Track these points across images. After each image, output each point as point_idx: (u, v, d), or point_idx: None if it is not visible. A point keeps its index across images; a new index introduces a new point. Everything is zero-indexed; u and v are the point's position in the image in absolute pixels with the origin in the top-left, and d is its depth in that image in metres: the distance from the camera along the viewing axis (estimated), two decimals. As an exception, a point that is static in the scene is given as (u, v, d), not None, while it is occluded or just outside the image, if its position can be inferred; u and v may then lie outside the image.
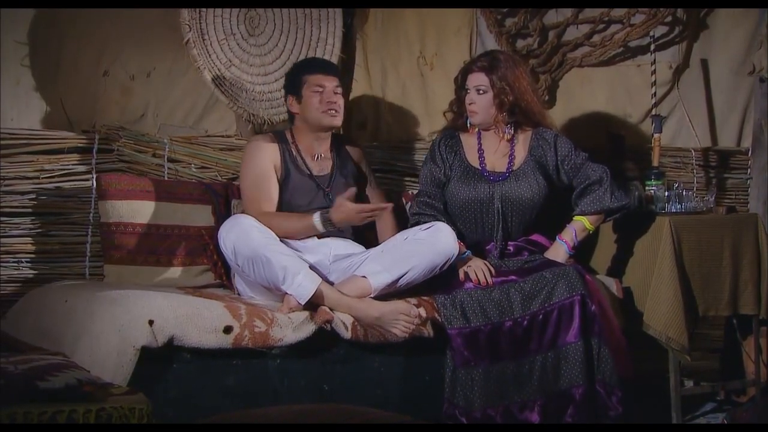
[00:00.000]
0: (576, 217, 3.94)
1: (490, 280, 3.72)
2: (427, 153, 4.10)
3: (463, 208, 3.96)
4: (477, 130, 4.04)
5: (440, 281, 3.74)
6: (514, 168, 3.97)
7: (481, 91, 3.93)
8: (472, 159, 4.01)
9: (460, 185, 3.96)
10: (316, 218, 3.68)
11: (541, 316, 3.62)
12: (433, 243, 3.68)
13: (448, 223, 3.80)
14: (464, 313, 3.63)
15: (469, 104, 3.95)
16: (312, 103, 3.84)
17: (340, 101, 3.88)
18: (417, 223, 3.87)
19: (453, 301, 3.65)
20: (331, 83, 3.85)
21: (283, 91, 4.01)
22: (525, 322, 3.62)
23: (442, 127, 4.20)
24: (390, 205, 3.81)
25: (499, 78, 3.90)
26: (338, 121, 3.89)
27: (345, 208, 3.63)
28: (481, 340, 3.60)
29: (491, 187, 3.93)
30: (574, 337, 3.58)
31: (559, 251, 3.88)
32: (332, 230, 3.71)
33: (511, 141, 4.01)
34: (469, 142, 4.05)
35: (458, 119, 4.07)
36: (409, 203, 4.16)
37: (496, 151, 4.01)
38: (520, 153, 4.00)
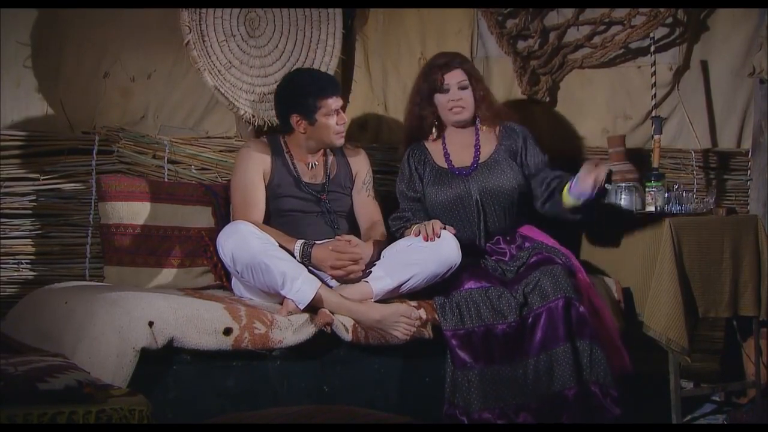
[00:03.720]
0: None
1: (438, 232, 3.70)
2: (399, 171, 4.14)
3: (444, 209, 3.98)
4: (441, 134, 4.08)
5: (440, 283, 3.74)
6: (485, 159, 4.01)
7: (462, 86, 3.97)
8: (441, 162, 4.06)
9: (435, 189, 4.00)
10: (297, 247, 3.66)
11: (530, 319, 3.62)
12: (436, 251, 3.68)
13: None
14: (460, 314, 3.64)
15: (457, 100, 3.98)
16: (327, 127, 3.81)
17: (345, 118, 3.92)
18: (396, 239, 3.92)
19: (450, 302, 3.66)
20: (340, 103, 3.85)
21: (279, 106, 3.92)
22: (517, 326, 3.62)
23: (405, 140, 4.22)
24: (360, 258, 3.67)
25: (472, 72, 4.02)
26: (343, 140, 3.92)
27: (329, 248, 3.63)
28: (475, 341, 3.61)
29: (466, 183, 3.95)
30: (562, 339, 3.57)
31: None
32: (307, 263, 3.66)
33: (476, 134, 4.04)
34: (434, 147, 4.10)
35: (419, 124, 4.09)
36: None
37: (460, 147, 4.05)
38: (487, 145, 4.05)
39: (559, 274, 3.64)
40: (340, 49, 4.43)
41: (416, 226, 3.82)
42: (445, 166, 4.04)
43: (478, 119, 4.07)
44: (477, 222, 3.95)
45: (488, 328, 3.62)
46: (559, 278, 3.63)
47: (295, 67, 4.29)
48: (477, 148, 4.03)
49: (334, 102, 3.80)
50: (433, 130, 4.08)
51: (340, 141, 3.87)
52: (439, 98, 4.02)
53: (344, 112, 3.94)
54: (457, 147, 4.06)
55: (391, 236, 3.98)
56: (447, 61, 4.03)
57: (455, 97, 3.99)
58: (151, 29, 4.19)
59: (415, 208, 4.04)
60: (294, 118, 3.82)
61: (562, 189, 3.85)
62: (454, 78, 3.98)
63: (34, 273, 3.95)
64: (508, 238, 3.96)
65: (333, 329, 3.47)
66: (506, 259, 3.91)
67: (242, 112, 4.19)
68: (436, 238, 3.69)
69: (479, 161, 4.01)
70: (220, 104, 4.22)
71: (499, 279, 3.77)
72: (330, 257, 3.63)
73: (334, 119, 3.81)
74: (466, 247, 3.85)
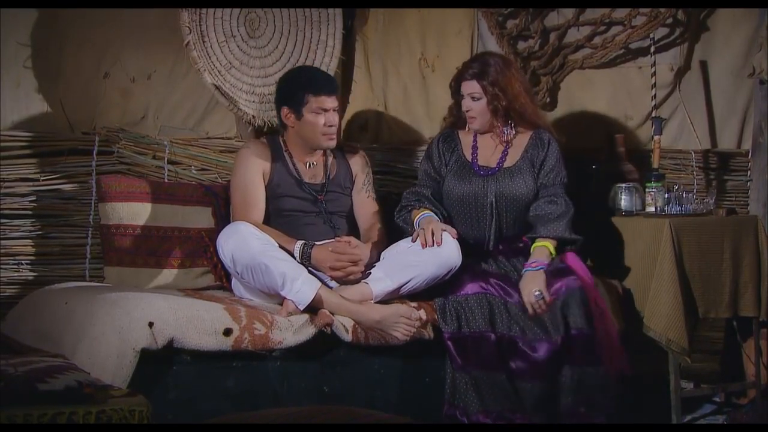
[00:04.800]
0: (542, 242, 3.88)
1: (438, 240, 3.69)
2: (425, 151, 4.11)
3: (458, 203, 3.96)
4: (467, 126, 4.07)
5: (441, 284, 3.74)
6: (509, 165, 3.97)
7: (475, 98, 3.94)
8: (468, 155, 4.03)
9: (455, 181, 3.97)
10: (297, 248, 3.67)
11: (521, 343, 3.64)
12: (437, 254, 3.68)
13: (432, 209, 3.86)
14: (458, 319, 3.64)
15: (467, 111, 3.96)
16: (314, 125, 3.80)
17: (337, 121, 3.85)
18: (403, 219, 3.91)
19: (450, 305, 3.66)
20: (333, 104, 3.80)
21: (275, 98, 3.93)
22: (511, 338, 3.63)
23: (442, 126, 4.20)
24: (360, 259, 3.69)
25: (491, 84, 3.90)
26: (335, 143, 3.87)
27: (329, 250, 3.65)
28: (471, 347, 3.61)
29: (485, 183, 3.94)
30: (542, 377, 3.59)
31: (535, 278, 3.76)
32: (307, 263, 3.67)
33: (508, 138, 4.01)
34: (466, 139, 4.06)
35: (458, 120, 4.08)
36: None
37: (490, 147, 4.02)
38: (515, 151, 4.01)
39: (571, 300, 3.65)
40: (340, 50, 4.43)
41: (421, 215, 3.81)
42: (470, 161, 4.01)
43: (507, 127, 4.01)
44: (488, 224, 3.93)
45: (482, 334, 3.62)
46: (569, 307, 3.63)
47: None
48: (505, 153, 4.01)
49: (324, 100, 3.78)
50: (467, 128, 4.07)
51: (327, 143, 3.84)
52: (462, 103, 4.00)
53: (339, 113, 3.89)
54: (487, 145, 4.03)
55: (400, 209, 3.96)
56: (465, 70, 3.96)
57: (466, 108, 3.97)
58: (151, 30, 4.19)
59: (434, 189, 4.00)
60: (284, 111, 3.84)
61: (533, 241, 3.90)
62: (466, 89, 3.94)
63: (34, 274, 3.95)
64: (512, 244, 3.95)
65: (333, 330, 3.47)
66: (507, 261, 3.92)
67: (242, 113, 4.19)
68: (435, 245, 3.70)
69: (503, 165, 3.99)
70: (220, 105, 4.22)
71: (500, 285, 3.76)
72: (329, 258, 3.63)
73: (321, 118, 3.79)
74: (472, 246, 3.85)
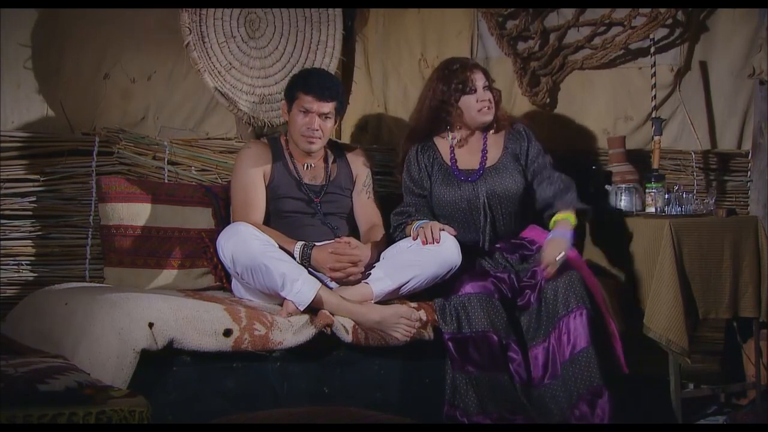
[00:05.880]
0: (563, 215, 3.86)
1: (437, 237, 3.69)
2: (405, 168, 4.06)
3: (450, 209, 3.96)
4: (449, 134, 4.05)
5: (440, 285, 3.74)
6: (492, 163, 3.98)
7: (487, 87, 3.95)
8: (448, 161, 4.03)
9: (444, 188, 3.97)
10: (297, 248, 3.67)
11: (520, 348, 3.66)
12: (437, 253, 3.68)
13: (424, 219, 3.85)
14: (458, 319, 3.64)
15: (485, 101, 3.94)
16: (296, 122, 3.81)
17: (326, 127, 3.82)
18: (400, 238, 3.90)
19: (450, 305, 3.66)
20: (321, 108, 3.78)
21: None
22: (506, 343, 3.65)
23: (409, 139, 4.13)
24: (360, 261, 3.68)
25: (489, 75, 4.00)
26: (315, 147, 3.85)
27: (329, 251, 3.64)
28: (471, 347, 3.61)
29: (474, 186, 3.94)
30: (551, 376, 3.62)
31: (561, 243, 3.75)
32: (307, 264, 3.66)
33: (484, 138, 4.02)
34: (443, 146, 4.05)
35: (433, 126, 4.04)
36: None
37: (468, 151, 4.02)
38: (495, 149, 4.01)
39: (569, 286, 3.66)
40: (340, 51, 4.44)
41: (416, 224, 3.81)
42: (450, 167, 4.00)
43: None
44: (483, 224, 3.93)
45: (485, 334, 3.62)
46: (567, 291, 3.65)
47: (295, 69, 4.30)
48: (484, 152, 4.01)
49: (311, 102, 3.77)
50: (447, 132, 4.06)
51: (304, 145, 3.83)
52: (467, 99, 3.95)
53: (329, 121, 3.83)
54: (465, 150, 4.02)
55: (394, 230, 3.96)
56: (471, 63, 3.99)
57: (484, 98, 3.94)
58: (152, 30, 4.19)
59: (420, 204, 4.00)
60: (283, 103, 3.90)
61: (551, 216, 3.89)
62: (480, 80, 3.95)
63: (35, 274, 3.95)
64: (511, 241, 3.95)
65: (333, 330, 3.47)
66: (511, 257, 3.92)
67: (242, 114, 4.19)
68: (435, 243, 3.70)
69: (486, 165, 3.98)
70: (221, 105, 4.23)
71: (498, 284, 3.76)
72: (329, 259, 3.63)
73: (303, 118, 3.79)
74: (469, 248, 3.85)
